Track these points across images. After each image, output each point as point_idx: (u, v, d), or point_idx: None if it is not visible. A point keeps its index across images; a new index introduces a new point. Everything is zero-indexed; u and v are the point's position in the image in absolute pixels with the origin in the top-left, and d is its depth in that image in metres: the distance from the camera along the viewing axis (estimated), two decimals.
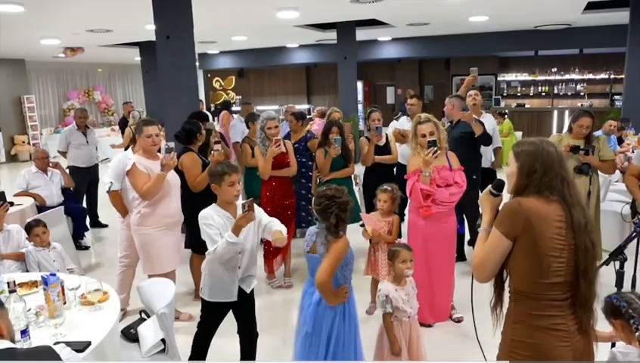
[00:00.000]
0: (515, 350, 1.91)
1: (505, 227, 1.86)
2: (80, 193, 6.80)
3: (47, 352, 1.86)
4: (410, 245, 3.87)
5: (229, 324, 4.12)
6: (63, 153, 6.89)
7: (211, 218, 2.88)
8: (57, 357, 1.88)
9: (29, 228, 3.99)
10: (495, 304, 2.02)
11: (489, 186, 2.07)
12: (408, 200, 4.02)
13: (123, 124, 9.49)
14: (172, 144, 3.88)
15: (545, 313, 1.84)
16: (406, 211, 4.37)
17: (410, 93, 7.24)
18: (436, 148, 3.63)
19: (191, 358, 3.18)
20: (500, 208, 1.96)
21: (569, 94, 14.40)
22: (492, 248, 1.89)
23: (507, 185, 2.00)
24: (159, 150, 3.98)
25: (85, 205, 6.88)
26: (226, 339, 3.88)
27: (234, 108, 16.83)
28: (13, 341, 1.93)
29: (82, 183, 6.72)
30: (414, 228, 3.89)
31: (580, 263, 1.82)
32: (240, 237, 2.82)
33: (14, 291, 2.49)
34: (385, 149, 5.03)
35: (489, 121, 5.63)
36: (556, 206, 1.83)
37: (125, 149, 4.99)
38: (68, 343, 2.32)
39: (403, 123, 6.13)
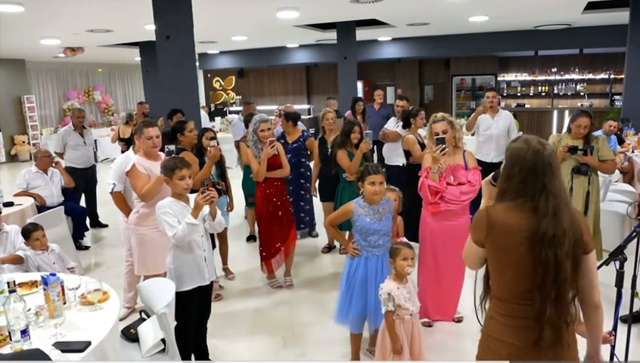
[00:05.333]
0: (488, 345, 1.95)
1: (474, 234, 1.93)
2: (78, 194, 6.78)
3: (36, 354, 1.83)
4: (420, 240, 3.93)
5: (229, 324, 4.15)
6: (60, 155, 6.84)
7: (168, 207, 3.11)
8: (48, 358, 1.85)
9: (27, 232, 3.86)
10: (483, 299, 2.04)
11: (490, 175, 2.12)
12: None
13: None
14: (172, 147, 3.89)
15: (509, 314, 1.87)
16: None
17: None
18: (444, 146, 3.64)
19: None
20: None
21: (569, 94, 14.39)
22: (468, 250, 2.00)
23: None
24: (161, 150, 3.99)
25: (83, 205, 6.87)
26: (226, 339, 3.90)
27: (233, 108, 16.94)
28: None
29: (80, 184, 6.67)
30: (423, 223, 3.93)
31: (537, 276, 1.77)
32: (199, 220, 3.07)
33: (14, 291, 2.49)
34: None
35: (504, 119, 6.00)
36: (527, 215, 1.79)
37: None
38: (68, 343, 2.33)
39: (390, 124, 6.28)
